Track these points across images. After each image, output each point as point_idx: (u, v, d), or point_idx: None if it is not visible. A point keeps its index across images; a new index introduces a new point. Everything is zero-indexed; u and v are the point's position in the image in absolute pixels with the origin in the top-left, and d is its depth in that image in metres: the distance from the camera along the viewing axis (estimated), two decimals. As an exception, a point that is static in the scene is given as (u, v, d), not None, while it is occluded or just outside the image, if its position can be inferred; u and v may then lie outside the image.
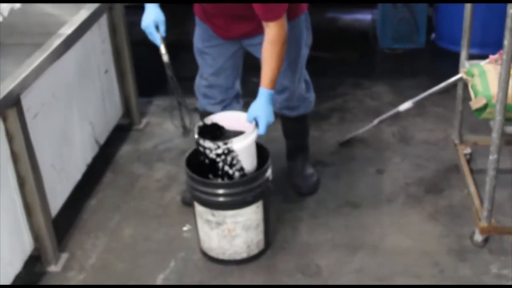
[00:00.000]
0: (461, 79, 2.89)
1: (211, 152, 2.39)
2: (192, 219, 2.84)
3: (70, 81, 2.91)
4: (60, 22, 2.89)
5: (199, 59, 2.83)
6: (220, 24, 2.59)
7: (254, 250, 2.63)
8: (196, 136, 2.43)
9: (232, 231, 2.55)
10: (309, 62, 2.82)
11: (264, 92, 2.42)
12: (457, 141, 3.13)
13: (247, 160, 2.45)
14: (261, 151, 2.62)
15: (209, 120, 2.54)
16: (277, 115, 2.91)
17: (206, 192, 2.49)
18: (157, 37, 2.45)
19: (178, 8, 3.91)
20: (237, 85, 2.87)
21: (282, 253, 2.68)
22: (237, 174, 2.44)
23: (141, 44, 3.95)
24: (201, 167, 2.47)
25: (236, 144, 2.38)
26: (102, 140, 3.26)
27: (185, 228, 2.84)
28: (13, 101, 2.34)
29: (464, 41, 2.92)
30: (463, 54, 2.94)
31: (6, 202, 2.39)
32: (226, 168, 2.41)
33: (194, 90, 2.92)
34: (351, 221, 2.85)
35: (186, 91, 2.60)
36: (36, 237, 2.58)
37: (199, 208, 2.56)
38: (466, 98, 3.07)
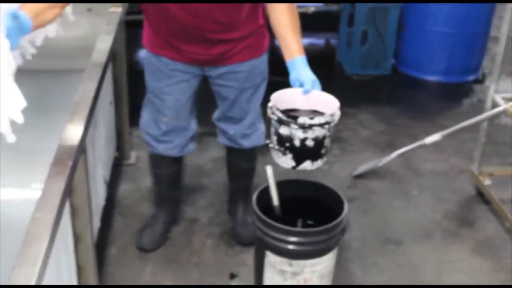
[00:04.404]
0: (502, 111, 2.89)
1: (329, 128, 2.10)
2: (233, 266, 2.64)
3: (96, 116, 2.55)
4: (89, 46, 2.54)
5: (155, 101, 2.53)
6: (190, 47, 2.36)
7: (324, 299, 2.46)
8: (306, 119, 2.06)
9: (308, 281, 2.36)
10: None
11: (304, 59, 2.16)
12: (476, 172, 3.16)
13: None
14: (328, 192, 2.47)
15: (274, 108, 2.14)
16: (226, 149, 2.80)
17: (287, 241, 2.26)
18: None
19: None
20: (193, 125, 2.65)
21: (347, 298, 2.54)
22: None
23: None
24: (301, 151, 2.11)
25: (337, 112, 2.12)
26: (108, 179, 2.90)
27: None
28: (83, 147, 1.99)
29: (495, 74, 2.95)
30: (493, 87, 2.97)
31: (65, 265, 2.01)
32: (329, 142, 2.15)
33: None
34: (400, 260, 2.76)
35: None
36: (84, 301, 2.21)
37: (272, 258, 2.33)
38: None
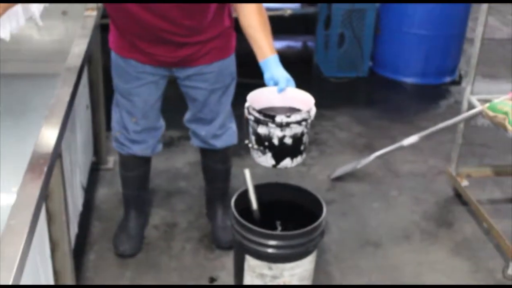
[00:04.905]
0: (479, 113, 2.90)
1: (306, 125, 2.10)
2: (212, 270, 2.63)
3: (72, 120, 2.52)
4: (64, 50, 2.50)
5: (124, 102, 2.53)
6: (155, 49, 2.34)
7: (304, 302, 2.45)
8: (283, 118, 2.03)
9: (287, 283, 2.35)
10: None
11: (276, 58, 2.16)
12: (454, 173, 3.18)
13: None
14: (306, 195, 2.46)
15: (251, 108, 2.13)
16: (200, 152, 2.79)
17: (266, 244, 2.25)
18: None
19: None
20: (162, 124, 2.66)
21: (327, 301, 2.53)
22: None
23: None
24: (280, 149, 2.10)
25: (313, 108, 2.12)
26: (85, 184, 2.87)
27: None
28: (59, 151, 1.95)
29: (470, 76, 2.97)
30: (468, 89, 2.99)
31: (42, 273, 1.98)
32: (307, 139, 2.15)
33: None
34: (379, 261, 2.76)
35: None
36: (60, 309, 2.18)
37: (251, 262, 2.32)
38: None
